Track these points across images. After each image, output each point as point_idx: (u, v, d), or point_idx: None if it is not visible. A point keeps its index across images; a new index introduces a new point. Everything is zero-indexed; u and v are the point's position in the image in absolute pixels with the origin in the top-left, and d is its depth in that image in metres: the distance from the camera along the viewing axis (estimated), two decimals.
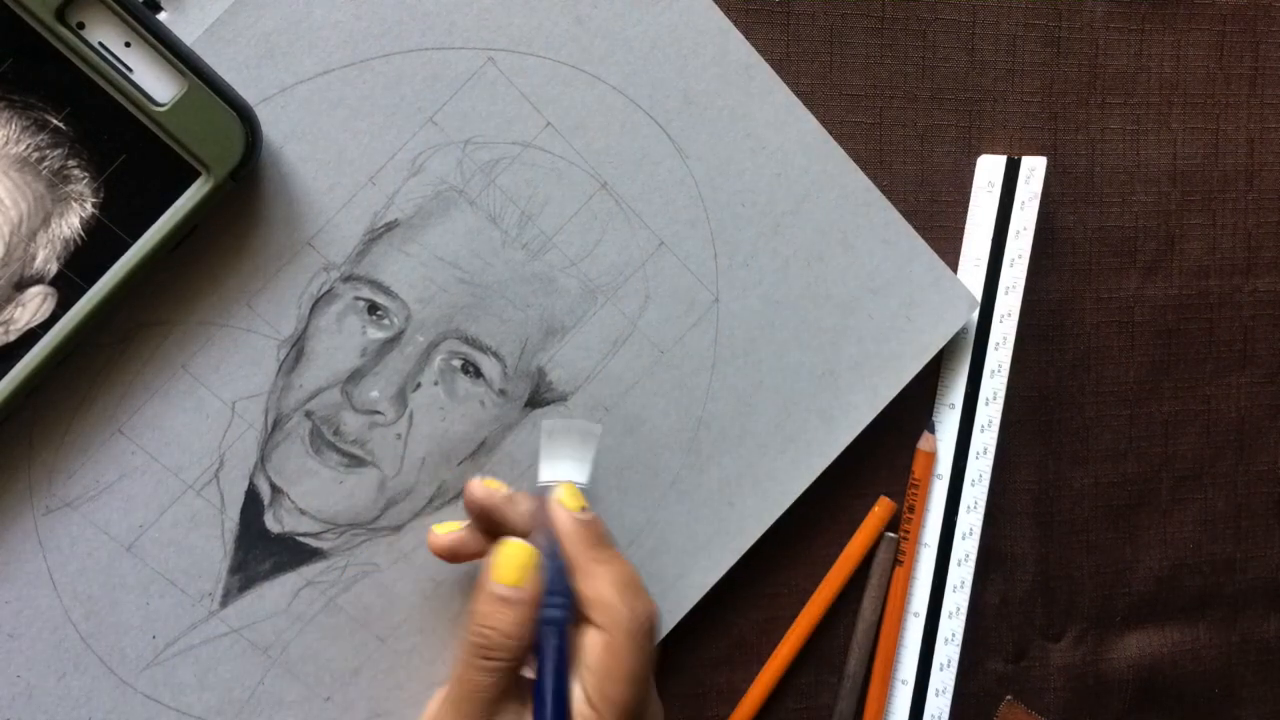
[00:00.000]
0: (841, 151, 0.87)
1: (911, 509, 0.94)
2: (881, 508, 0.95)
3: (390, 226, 0.80)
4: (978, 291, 0.93)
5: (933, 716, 0.96)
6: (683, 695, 0.93)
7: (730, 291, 0.86)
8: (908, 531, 0.94)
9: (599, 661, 0.74)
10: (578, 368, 0.85)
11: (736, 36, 0.84)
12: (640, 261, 0.85)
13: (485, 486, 0.79)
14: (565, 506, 0.77)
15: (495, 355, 0.83)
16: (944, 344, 0.91)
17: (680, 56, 0.83)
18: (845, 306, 0.89)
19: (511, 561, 0.76)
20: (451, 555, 0.80)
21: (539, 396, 0.84)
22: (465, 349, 0.82)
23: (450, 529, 0.80)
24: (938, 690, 0.96)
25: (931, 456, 0.95)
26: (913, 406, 0.95)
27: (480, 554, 0.79)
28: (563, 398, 0.85)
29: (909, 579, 0.96)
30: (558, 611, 0.76)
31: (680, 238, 0.85)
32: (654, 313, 0.85)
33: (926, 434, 0.95)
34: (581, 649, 0.75)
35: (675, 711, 0.92)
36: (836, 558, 0.95)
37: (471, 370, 0.82)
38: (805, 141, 0.87)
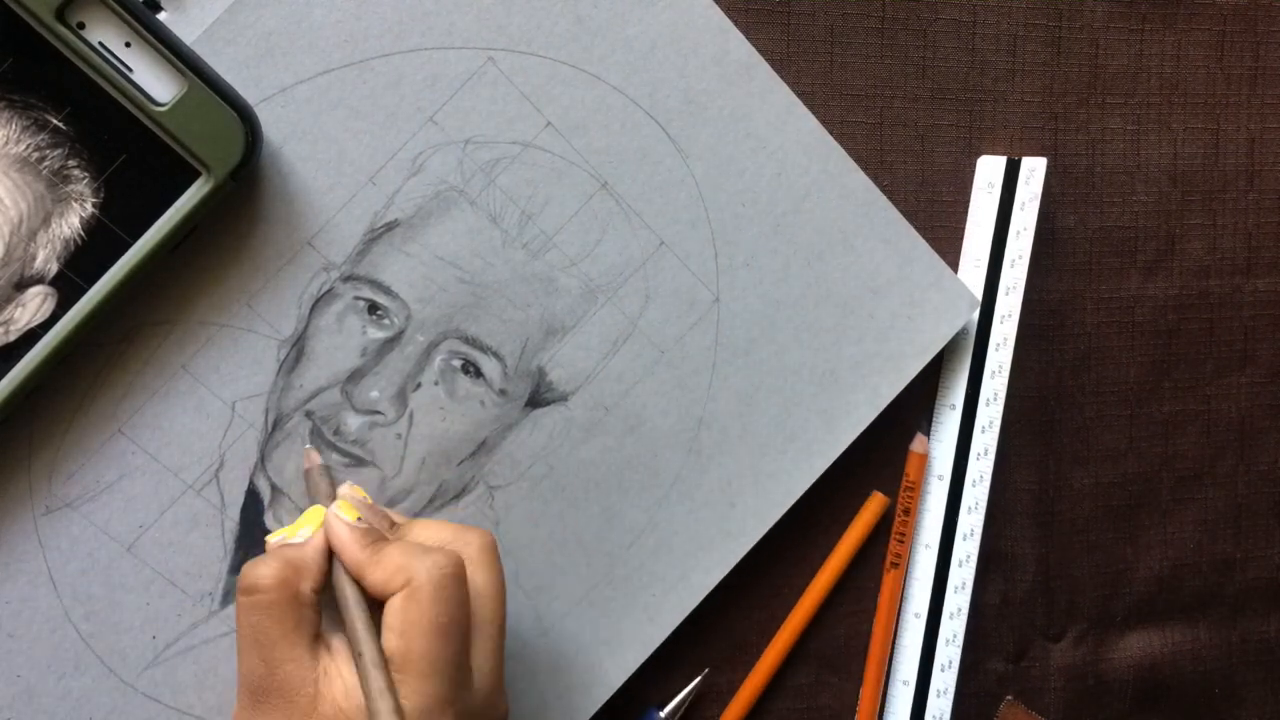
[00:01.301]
0: (842, 151, 0.87)
1: (907, 511, 0.94)
2: (875, 502, 0.95)
3: (390, 226, 0.80)
4: (978, 292, 0.93)
5: (934, 717, 0.96)
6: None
7: (731, 291, 0.87)
8: (903, 534, 0.94)
9: (397, 618, 0.70)
10: (578, 367, 0.85)
11: (736, 36, 0.84)
12: (641, 261, 0.85)
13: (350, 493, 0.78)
14: (342, 518, 0.75)
15: (495, 355, 0.83)
16: (945, 344, 0.91)
17: (680, 56, 0.83)
18: (846, 306, 0.89)
19: (300, 520, 0.76)
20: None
21: (539, 396, 0.84)
22: (465, 349, 0.82)
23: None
24: (939, 691, 0.96)
25: (924, 458, 0.95)
26: (913, 407, 0.95)
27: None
28: (563, 397, 0.85)
29: (904, 580, 0.96)
30: None
31: (681, 237, 0.85)
32: (654, 312, 0.85)
33: (919, 436, 0.95)
34: (384, 613, 0.72)
35: None
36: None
37: (472, 370, 0.82)
38: (805, 141, 0.87)
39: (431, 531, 0.76)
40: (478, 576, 0.75)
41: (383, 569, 0.72)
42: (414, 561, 0.71)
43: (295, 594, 0.71)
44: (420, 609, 0.70)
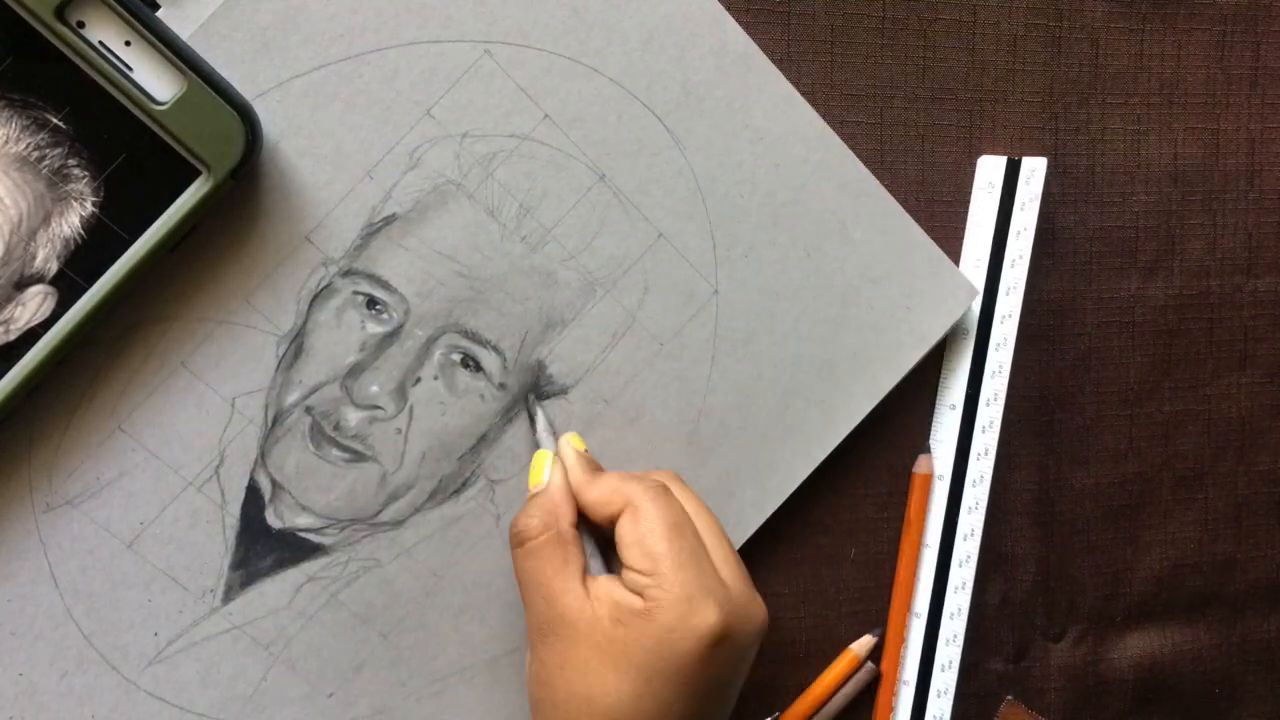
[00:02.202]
0: (840, 141, 0.87)
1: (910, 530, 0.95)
2: (859, 646, 0.96)
3: (388, 220, 0.80)
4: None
5: (934, 717, 0.96)
6: None
7: (729, 283, 0.87)
8: (913, 524, 0.95)
9: (629, 533, 0.77)
10: (577, 360, 0.85)
11: (733, 27, 0.84)
12: (639, 254, 0.85)
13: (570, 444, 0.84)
14: (572, 445, 0.83)
15: (495, 349, 0.83)
16: (944, 333, 0.91)
17: (677, 47, 0.83)
18: (844, 297, 0.89)
19: (533, 468, 0.82)
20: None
21: (539, 390, 0.84)
22: (465, 343, 0.82)
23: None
24: (939, 691, 0.96)
25: (929, 479, 0.95)
26: (914, 406, 0.95)
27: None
28: (563, 391, 0.85)
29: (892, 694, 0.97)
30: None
31: (679, 229, 0.85)
32: (653, 305, 0.85)
33: (922, 456, 0.95)
34: (616, 537, 0.78)
35: None
36: (836, 559, 0.95)
37: (471, 364, 0.83)
38: (803, 132, 0.87)
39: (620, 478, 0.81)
40: (683, 501, 0.81)
41: (599, 489, 0.79)
42: (626, 485, 0.79)
43: (559, 534, 0.78)
44: (647, 518, 0.77)
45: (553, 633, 0.76)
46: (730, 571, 0.78)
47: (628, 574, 0.76)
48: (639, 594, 0.75)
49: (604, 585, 0.76)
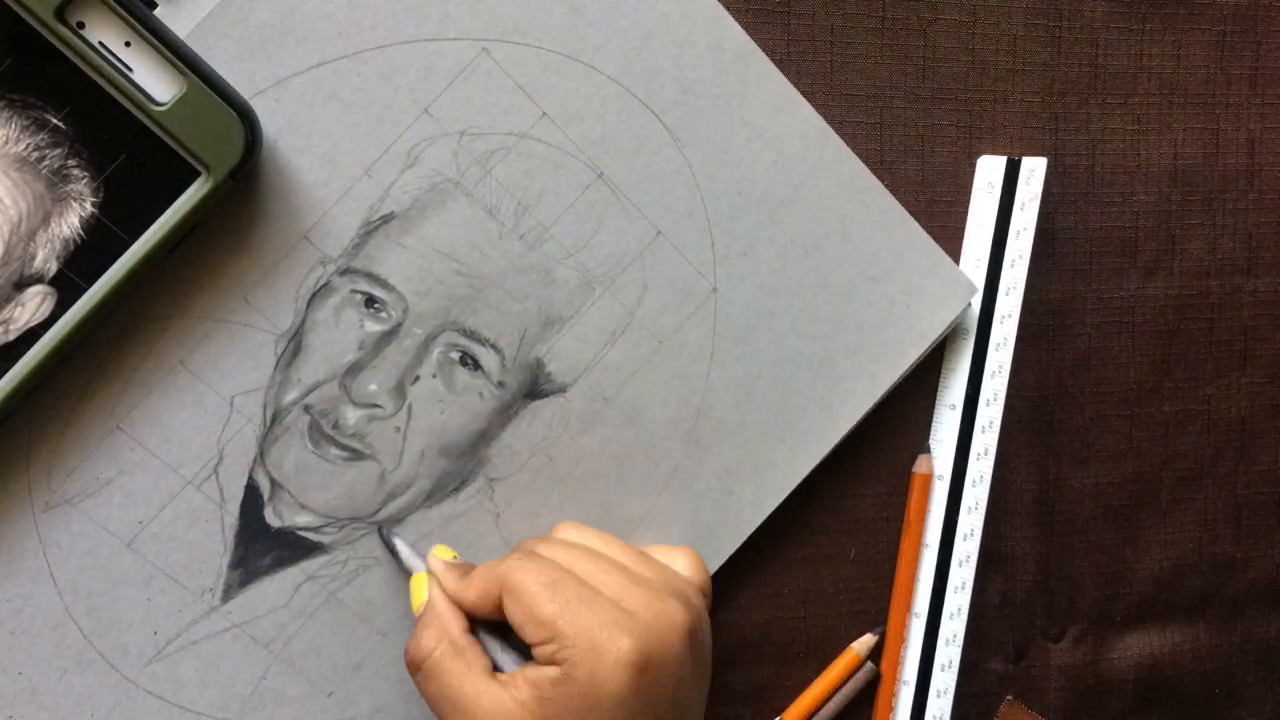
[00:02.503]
0: (838, 139, 0.87)
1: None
2: (860, 645, 0.97)
3: (386, 219, 0.80)
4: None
5: (934, 717, 0.96)
6: None
7: (728, 280, 0.87)
8: (911, 524, 0.95)
9: (516, 613, 0.76)
10: (576, 359, 0.85)
11: (731, 24, 0.84)
12: (638, 251, 0.85)
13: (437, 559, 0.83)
14: (438, 558, 0.82)
15: (493, 347, 0.83)
16: (943, 331, 0.91)
17: (675, 45, 0.83)
18: (843, 294, 0.89)
19: (412, 595, 0.82)
20: None
21: (538, 388, 0.84)
22: (463, 341, 0.82)
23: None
24: (939, 691, 0.96)
25: (928, 479, 0.95)
26: (913, 406, 0.95)
27: None
28: (561, 389, 0.85)
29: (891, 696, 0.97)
30: None
31: (678, 227, 0.85)
32: (652, 303, 0.85)
33: (922, 456, 0.95)
34: (512, 624, 0.77)
35: None
36: (837, 558, 0.95)
37: (470, 362, 0.83)
38: (802, 129, 0.87)
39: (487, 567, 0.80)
40: (560, 548, 0.81)
41: (474, 587, 0.78)
42: (495, 570, 0.78)
43: (451, 644, 0.77)
44: (522, 590, 0.75)
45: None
46: (633, 594, 0.77)
47: (536, 650, 0.75)
48: (552, 662, 0.74)
49: (517, 675, 0.75)
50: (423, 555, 0.83)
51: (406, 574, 0.83)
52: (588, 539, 0.82)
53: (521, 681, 0.74)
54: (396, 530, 0.84)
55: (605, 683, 0.72)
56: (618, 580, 0.78)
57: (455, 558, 0.83)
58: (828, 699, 0.95)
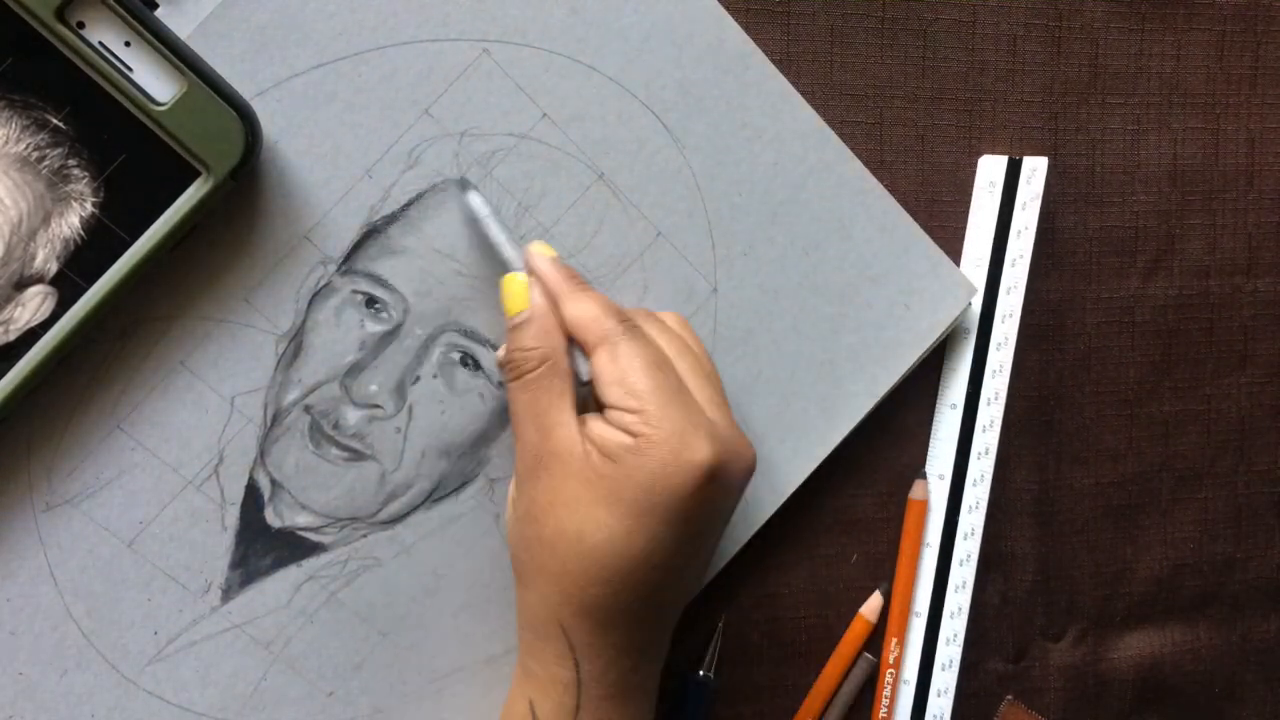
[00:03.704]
0: (838, 139, 0.88)
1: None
2: (858, 625, 0.96)
3: (387, 219, 0.80)
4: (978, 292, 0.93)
5: (934, 717, 0.96)
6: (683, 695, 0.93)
7: (728, 281, 0.87)
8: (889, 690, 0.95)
9: (608, 371, 0.75)
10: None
11: (732, 25, 0.85)
12: (638, 252, 0.85)
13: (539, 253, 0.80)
14: (542, 254, 0.79)
15: (494, 347, 0.83)
16: (943, 331, 0.91)
17: (675, 46, 0.84)
18: (843, 295, 0.89)
19: (511, 293, 0.78)
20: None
21: None
22: (464, 341, 0.82)
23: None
24: (939, 690, 0.96)
25: (924, 505, 0.95)
26: (914, 405, 0.95)
27: None
28: None
29: (896, 689, 0.97)
30: None
31: (678, 228, 0.85)
32: (652, 303, 0.85)
33: (918, 481, 0.95)
34: (593, 374, 0.76)
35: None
36: (836, 559, 0.95)
37: (471, 363, 0.83)
38: (802, 130, 0.87)
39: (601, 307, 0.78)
40: (671, 340, 0.80)
41: (582, 309, 0.77)
42: (605, 321, 0.76)
43: (554, 364, 0.76)
44: (625, 355, 0.75)
45: (544, 468, 0.75)
46: (717, 412, 0.77)
47: (611, 413, 0.74)
48: (627, 431, 0.73)
49: (591, 422, 0.75)
50: (519, 246, 0.81)
51: (498, 261, 0.81)
52: (690, 341, 0.82)
53: (596, 432, 0.74)
54: (480, 193, 0.83)
55: (675, 474, 0.72)
56: (708, 391, 0.78)
57: (557, 256, 0.80)
58: (840, 685, 0.96)
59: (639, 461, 0.72)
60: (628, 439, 0.73)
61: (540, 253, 0.79)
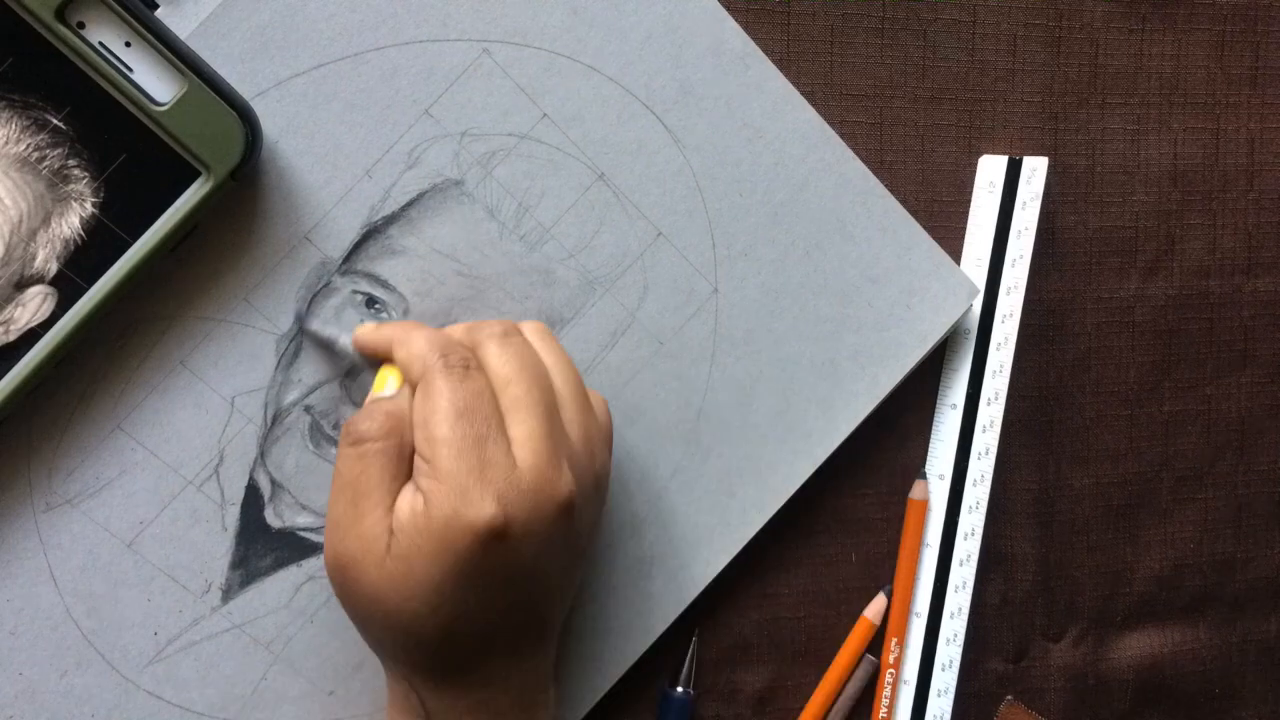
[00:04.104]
0: (839, 140, 0.88)
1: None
2: (862, 626, 0.96)
3: (387, 220, 0.80)
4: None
5: (934, 717, 0.96)
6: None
7: (729, 282, 0.87)
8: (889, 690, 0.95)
9: (418, 410, 0.73)
10: (577, 359, 0.85)
11: (732, 25, 0.85)
12: (638, 252, 0.85)
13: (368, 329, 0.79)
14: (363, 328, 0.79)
15: None
16: (944, 332, 0.91)
17: (676, 46, 0.84)
18: (844, 295, 0.89)
19: (379, 379, 0.77)
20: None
21: None
22: None
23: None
24: (939, 691, 0.96)
25: (924, 505, 0.95)
26: (914, 405, 0.95)
27: None
28: None
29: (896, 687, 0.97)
30: None
31: (678, 228, 0.85)
32: (653, 304, 0.85)
33: (919, 481, 0.95)
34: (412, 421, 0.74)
35: None
36: (836, 559, 0.95)
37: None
38: (802, 130, 0.87)
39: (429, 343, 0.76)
40: (509, 368, 0.75)
41: (406, 346, 0.75)
42: (431, 355, 0.73)
43: (399, 444, 0.73)
44: (436, 396, 0.71)
45: (348, 550, 0.72)
46: (535, 447, 0.72)
47: (416, 464, 0.72)
48: (418, 487, 0.71)
49: (401, 498, 0.72)
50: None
51: (346, 361, 0.81)
52: (545, 352, 0.78)
53: (401, 503, 0.71)
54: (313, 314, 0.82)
55: (457, 538, 0.69)
56: (532, 422, 0.73)
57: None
58: (842, 688, 0.96)
59: (426, 524, 0.70)
60: (419, 501, 0.70)
61: (361, 330, 0.79)
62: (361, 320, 0.81)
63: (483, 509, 0.69)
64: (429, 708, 0.75)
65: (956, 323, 0.91)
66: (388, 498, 0.72)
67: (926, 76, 0.93)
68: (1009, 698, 1.00)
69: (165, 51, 0.71)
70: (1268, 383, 1.03)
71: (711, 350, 0.87)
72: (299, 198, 0.79)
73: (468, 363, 0.74)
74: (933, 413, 0.95)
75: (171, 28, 0.73)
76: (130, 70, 0.72)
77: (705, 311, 0.86)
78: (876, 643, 0.96)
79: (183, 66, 0.72)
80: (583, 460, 0.76)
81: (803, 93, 0.87)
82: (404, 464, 0.73)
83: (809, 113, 0.87)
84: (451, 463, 0.70)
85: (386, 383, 0.76)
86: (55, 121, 0.71)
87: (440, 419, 0.71)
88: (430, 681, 0.74)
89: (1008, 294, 0.93)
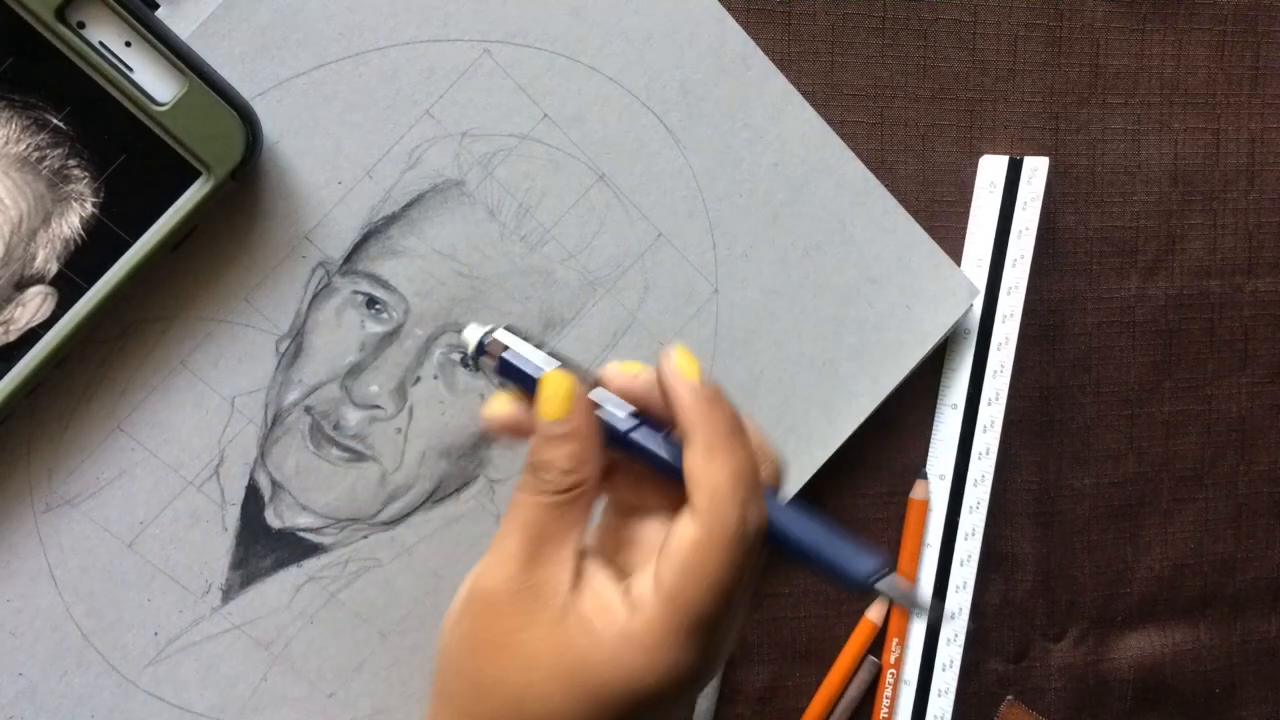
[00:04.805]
0: (839, 140, 0.88)
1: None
2: (864, 627, 0.97)
3: (388, 220, 0.80)
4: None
5: (935, 717, 0.96)
6: None
7: (729, 282, 0.87)
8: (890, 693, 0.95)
9: (683, 557, 0.60)
10: (577, 360, 0.84)
11: (733, 26, 0.85)
12: (639, 253, 0.85)
13: (623, 373, 0.68)
14: (681, 374, 0.64)
15: None
16: (945, 333, 0.92)
17: (677, 46, 0.84)
18: (845, 296, 0.89)
19: (552, 394, 0.65)
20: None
21: None
22: None
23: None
24: (940, 691, 0.96)
25: (925, 505, 0.95)
26: (915, 405, 0.95)
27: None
28: None
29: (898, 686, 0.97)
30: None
31: (679, 229, 0.85)
32: (653, 304, 0.85)
33: (919, 482, 0.95)
34: (669, 534, 0.62)
35: None
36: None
37: (471, 363, 0.82)
38: (803, 130, 0.87)
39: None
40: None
41: (707, 469, 0.62)
42: (730, 501, 0.62)
43: (586, 491, 0.65)
44: (713, 562, 0.61)
45: (516, 600, 0.63)
46: (732, 643, 0.67)
47: (640, 576, 0.62)
48: (622, 589, 0.63)
49: (592, 570, 0.64)
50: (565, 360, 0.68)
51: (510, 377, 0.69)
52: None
53: (592, 586, 0.63)
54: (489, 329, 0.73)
55: (638, 684, 0.60)
56: (741, 617, 0.66)
57: (698, 372, 0.65)
58: (844, 688, 0.96)
59: (618, 648, 0.61)
60: (620, 614, 0.61)
61: (682, 370, 0.65)
62: (362, 322, 0.81)
63: (684, 665, 0.61)
64: None
65: (957, 323, 0.92)
66: (567, 549, 0.64)
67: (927, 76, 0.93)
68: (1009, 698, 1.00)
69: (166, 51, 0.71)
70: (1268, 383, 1.03)
71: (712, 351, 0.87)
72: (299, 198, 0.79)
73: (757, 542, 0.64)
74: (933, 413, 0.95)
75: (172, 28, 0.73)
76: (130, 70, 0.72)
77: (705, 312, 0.86)
78: (877, 643, 0.96)
79: (183, 66, 0.71)
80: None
81: (803, 93, 0.87)
82: (587, 512, 0.65)
83: (809, 113, 0.87)
84: (691, 625, 0.61)
85: (565, 406, 0.65)
86: (55, 121, 0.71)
87: (701, 593, 0.60)
88: None
89: (1008, 294, 0.93)
